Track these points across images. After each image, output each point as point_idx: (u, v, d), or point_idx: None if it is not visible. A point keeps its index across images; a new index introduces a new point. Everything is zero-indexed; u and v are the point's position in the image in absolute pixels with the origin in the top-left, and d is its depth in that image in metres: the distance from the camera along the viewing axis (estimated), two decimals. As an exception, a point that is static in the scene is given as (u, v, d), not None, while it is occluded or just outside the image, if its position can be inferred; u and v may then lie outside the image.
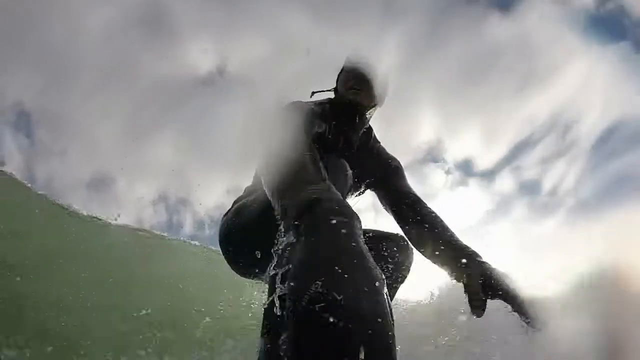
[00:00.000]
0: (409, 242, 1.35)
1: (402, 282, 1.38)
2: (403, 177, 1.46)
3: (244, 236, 1.25)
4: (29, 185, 4.43)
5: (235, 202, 1.39)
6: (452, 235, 1.23)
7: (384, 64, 1.36)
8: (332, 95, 1.44)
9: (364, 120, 1.38)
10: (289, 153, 0.97)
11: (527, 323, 0.99)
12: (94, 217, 4.37)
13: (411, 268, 1.38)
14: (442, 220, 1.29)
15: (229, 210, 1.38)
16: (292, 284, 0.71)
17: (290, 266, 0.74)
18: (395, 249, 1.34)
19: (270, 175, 0.98)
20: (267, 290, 1.03)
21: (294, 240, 0.78)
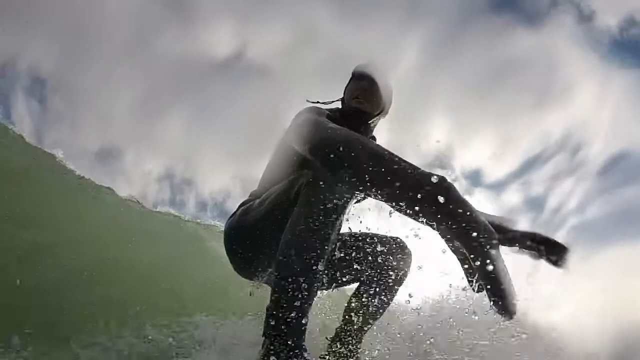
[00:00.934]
0: (407, 245, 1.45)
1: (401, 283, 1.45)
2: None
3: (249, 238, 1.30)
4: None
5: (241, 205, 1.41)
6: None
7: (389, 75, 1.44)
8: (339, 104, 1.51)
9: (368, 128, 1.44)
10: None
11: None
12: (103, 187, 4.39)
13: (410, 269, 1.45)
14: None
15: (234, 213, 1.41)
16: None
17: None
18: (394, 251, 1.43)
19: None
20: (269, 292, 1.08)
21: None
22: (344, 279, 1.46)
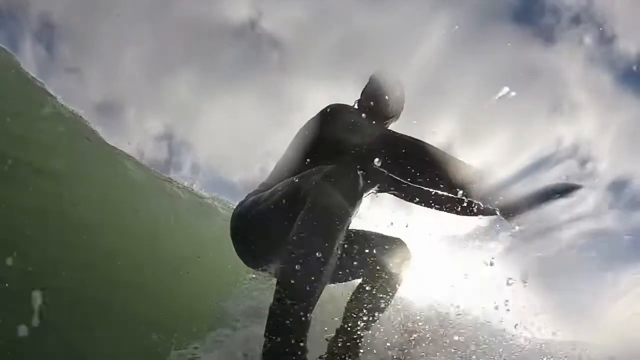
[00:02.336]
0: (407, 246, 1.50)
1: (400, 283, 1.49)
2: None
3: (256, 230, 1.32)
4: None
5: (249, 196, 1.43)
6: None
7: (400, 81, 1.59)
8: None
9: (381, 127, 1.54)
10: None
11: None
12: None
13: (409, 267, 1.50)
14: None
15: (242, 202, 1.42)
16: None
17: None
18: (394, 251, 1.47)
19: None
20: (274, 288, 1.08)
21: None
22: (343, 274, 1.48)
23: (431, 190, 1.27)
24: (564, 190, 1.15)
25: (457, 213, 1.36)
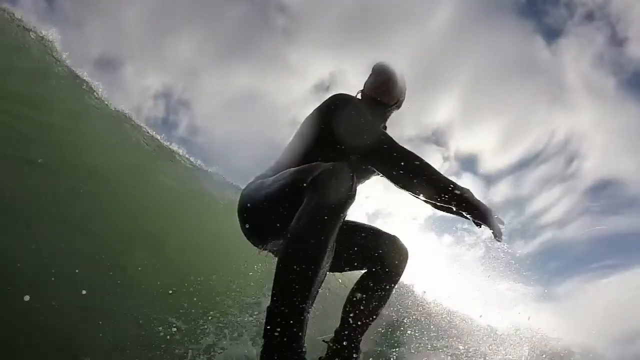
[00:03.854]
0: (404, 245, 1.57)
1: (396, 281, 1.55)
2: None
3: (258, 213, 1.38)
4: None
5: (257, 178, 1.50)
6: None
7: (402, 72, 1.67)
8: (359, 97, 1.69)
9: (383, 117, 1.68)
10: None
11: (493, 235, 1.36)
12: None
13: (407, 264, 1.56)
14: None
15: (250, 183, 1.49)
16: None
17: None
18: (391, 247, 1.53)
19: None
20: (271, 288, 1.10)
21: None
22: (340, 262, 1.52)
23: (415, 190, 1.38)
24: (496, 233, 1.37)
25: (435, 207, 1.45)
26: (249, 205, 1.41)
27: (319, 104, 1.55)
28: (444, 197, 1.33)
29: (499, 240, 1.39)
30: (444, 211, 1.43)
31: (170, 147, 4.89)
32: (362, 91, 1.69)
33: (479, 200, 1.34)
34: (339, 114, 1.47)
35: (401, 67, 1.68)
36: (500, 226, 1.37)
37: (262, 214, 1.36)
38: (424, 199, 1.37)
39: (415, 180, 1.34)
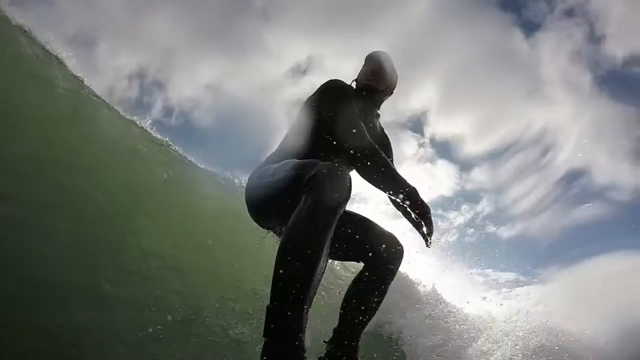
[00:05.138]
0: (401, 242, 1.60)
1: (392, 277, 1.58)
2: (391, 152, 1.82)
3: (260, 200, 1.47)
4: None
5: (262, 164, 1.57)
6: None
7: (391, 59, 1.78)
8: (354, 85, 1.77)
9: (376, 103, 1.77)
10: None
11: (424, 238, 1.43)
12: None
13: (402, 262, 1.60)
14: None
15: (257, 169, 1.56)
16: None
17: None
18: (388, 243, 1.57)
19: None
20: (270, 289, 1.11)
21: None
22: (338, 253, 1.54)
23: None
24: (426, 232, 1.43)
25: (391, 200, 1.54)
26: (251, 192, 1.51)
27: (317, 87, 1.62)
28: (395, 192, 1.41)
29: (428, 244, 1.44)
30: (396, 207, 1.54)
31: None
32: (356, 80, 1.76)
33: (422, 200, 1.42)
34: (328, 102, 1.55)
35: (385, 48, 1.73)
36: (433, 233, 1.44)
37: (263, 202, 1.46)
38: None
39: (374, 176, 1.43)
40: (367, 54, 1.80)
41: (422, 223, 1.41)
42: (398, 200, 1.40)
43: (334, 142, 1.47)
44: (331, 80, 1.62)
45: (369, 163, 1.41)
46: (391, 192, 1.42)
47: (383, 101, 1.82)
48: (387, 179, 1.42)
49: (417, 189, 1.42)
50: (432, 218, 1.42)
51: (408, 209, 1.40)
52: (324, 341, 1.57)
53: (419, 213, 1.40)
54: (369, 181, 1.45)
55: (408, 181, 1.43)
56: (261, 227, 1.60)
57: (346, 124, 1.47)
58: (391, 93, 1.82)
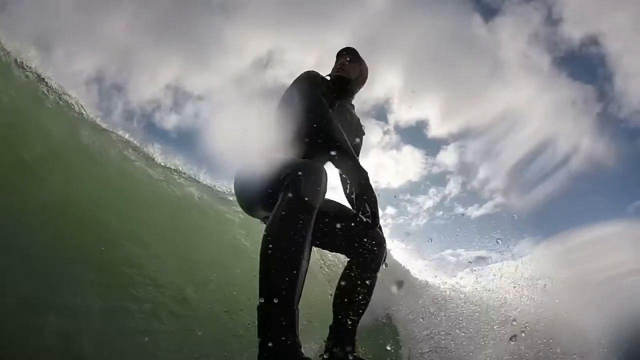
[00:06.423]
0: (381, 234, 1.62)
1: (377, 269, 1.60)
2: (362, 141, 1.90)
3: (246, 194, 1.53)
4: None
5: (247, 160, 1.58)
6: None
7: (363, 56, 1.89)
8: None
9: (348, 93, 1.86)
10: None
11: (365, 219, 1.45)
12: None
13: (385, 252, 1.62)
14: None
15: (242, 165, 1.59)
16: None
17: None
18: (372, 234, 1.57)
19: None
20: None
21: None
22: (323, 241, 1.61)
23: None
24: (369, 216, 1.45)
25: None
26: (237, 188, 1.58)
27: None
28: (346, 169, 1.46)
29: (368, 225, 1.46)
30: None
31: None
32: (329, 75, 1.84)
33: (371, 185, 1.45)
34: (297, 85, 1.64)
35: (340, 44, 1.85)
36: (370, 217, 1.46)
37: (249, 199, 1.53)
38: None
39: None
40: (340, 48, 1.90)
41: (367, 206, 1.43)
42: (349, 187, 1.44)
43: (311, 136, 1.48)
44: (307, 71, 1.71)
45: (324, 136, 1.44)
46: (343, 169, 1.48)
47: (356, 91, 1.91)
48: (341, 152, 1.43)
49: (368, 173, 1.45)
50: (378, 205, 1.45)
51: (356, 193, 1.44)
52: (324, 341, 1.58)
53: (366, 199, 1.43)
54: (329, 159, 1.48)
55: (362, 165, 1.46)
56: (251, 215, 1.63)
57: (309, 102, 1.53)
58: (363, 82, 1.91)
